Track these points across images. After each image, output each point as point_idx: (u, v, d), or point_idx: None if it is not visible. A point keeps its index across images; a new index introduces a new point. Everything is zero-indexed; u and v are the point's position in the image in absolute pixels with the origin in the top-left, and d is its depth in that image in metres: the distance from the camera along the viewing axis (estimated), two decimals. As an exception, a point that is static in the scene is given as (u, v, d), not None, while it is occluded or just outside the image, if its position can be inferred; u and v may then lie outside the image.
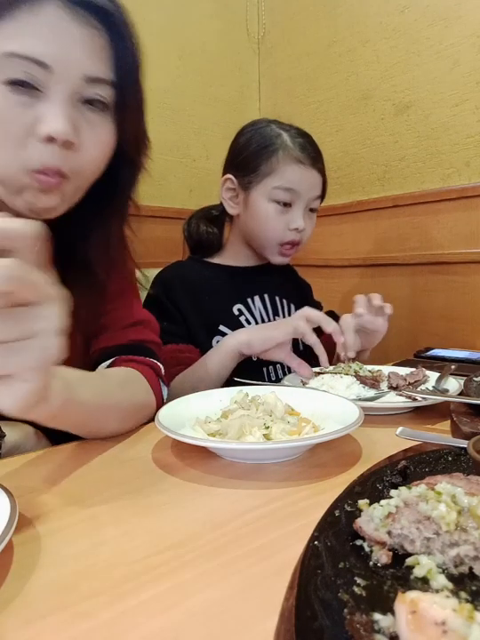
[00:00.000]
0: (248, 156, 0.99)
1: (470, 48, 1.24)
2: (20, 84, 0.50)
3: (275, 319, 1.06)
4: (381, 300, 0.91)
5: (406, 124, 1.40)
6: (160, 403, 0.68)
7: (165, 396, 0.71)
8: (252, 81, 1.82)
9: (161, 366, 0.71)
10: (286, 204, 0.98)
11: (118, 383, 0.61)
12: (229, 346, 0.85)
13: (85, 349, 0.70)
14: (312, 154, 0.98)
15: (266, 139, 0.98)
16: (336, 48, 1.56)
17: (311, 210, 1.02)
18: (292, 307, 1.10)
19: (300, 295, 1.17)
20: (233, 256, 1.08)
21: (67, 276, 0.66)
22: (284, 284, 1.13)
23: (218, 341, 0.97)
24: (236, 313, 1.02)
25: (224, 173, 1.05)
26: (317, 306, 1.16)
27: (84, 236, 0.64)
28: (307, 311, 0.84)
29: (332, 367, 0.86)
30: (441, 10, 1.29)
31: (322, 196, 1.03)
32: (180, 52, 1.58)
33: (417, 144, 1.38)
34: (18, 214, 0.57)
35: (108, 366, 0.67)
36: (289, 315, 1.08)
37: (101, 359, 0.68)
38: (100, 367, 0.67)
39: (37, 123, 0.51)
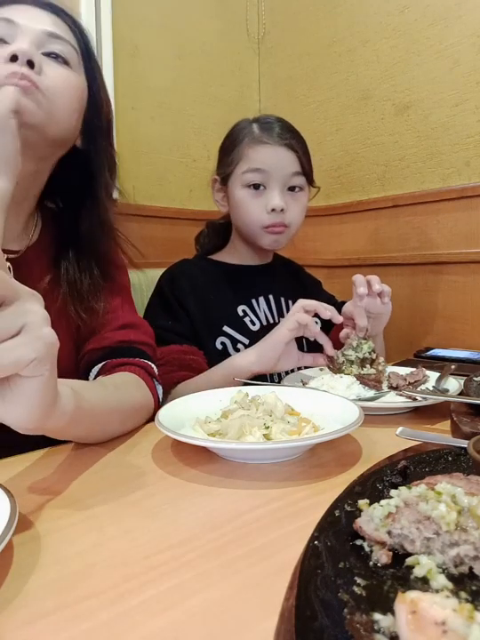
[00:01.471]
0: (223, 153, 1.03)
1: (470, 48, 1.24)
2: None
3: (279, 320, 1.05)
4: (379, 281, 0.91)
5: (406, 123, 1.40)
6: (156, 402, 0.68)
7: (160, 395, 0.70)
8: (252, 81, 1.82)
9: (153, 366, 0.71)
10: (260, 187, 0.97)
11: (115, 386, 0.61)
12: (238, 366, 0.82)
13: (77, 355, 0.71)
14: (278, 132, 0.97)
15: (236, 132, 1.01)
16: (336, 48, 1.56)
17: (293, 189, 0.99)
18: None
19: (307, 294, 1.18)
20: (234, 253, 1.09)
21: (65, 275, 0.69)
22: (289, 285, 1.12)
23: (222, 343, 0.97)
24: (241, 314, 1.02)
25: None
26: (330, 299, 1.15)
27: (77, 226, 0.71)
28: (301, 302, 0.84)
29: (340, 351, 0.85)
30: (441, 10, 1.29)
31: (304, 174, 0.99)
32: (179, 52, 1.58)
33: (417, 144, 1.38)
34: None
35: (100, 370, 0.67)
36: None
37: (91, 363, 0.68)
38: (92, 371, 0.68)
39: (5, 51, 0.59)
